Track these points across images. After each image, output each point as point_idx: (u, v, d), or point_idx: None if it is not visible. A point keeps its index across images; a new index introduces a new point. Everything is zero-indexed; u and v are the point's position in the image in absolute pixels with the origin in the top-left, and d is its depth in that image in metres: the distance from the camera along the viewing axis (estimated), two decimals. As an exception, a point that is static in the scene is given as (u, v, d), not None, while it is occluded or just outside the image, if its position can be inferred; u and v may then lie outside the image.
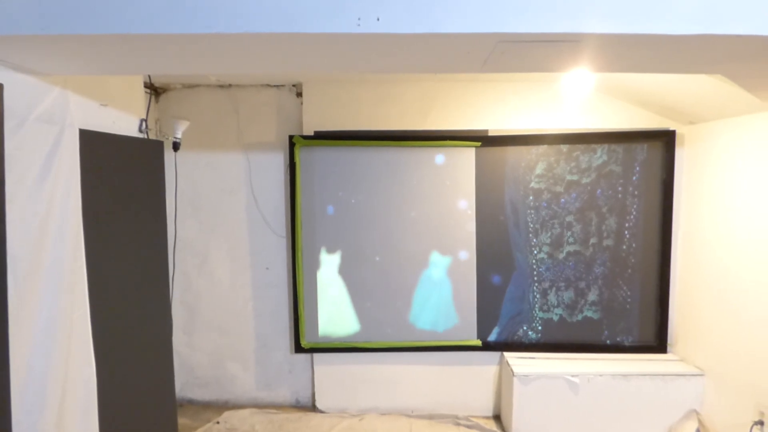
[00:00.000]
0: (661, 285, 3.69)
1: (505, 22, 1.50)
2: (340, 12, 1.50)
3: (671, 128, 3.61)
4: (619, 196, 3.70)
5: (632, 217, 3.70)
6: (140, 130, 2.94)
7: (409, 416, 3.88)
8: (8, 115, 1.86)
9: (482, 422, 3.80)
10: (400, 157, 3.75)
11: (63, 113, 2.20)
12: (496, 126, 3.74)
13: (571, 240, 3.76)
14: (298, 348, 3.88)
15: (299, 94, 3.90)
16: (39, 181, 2.05)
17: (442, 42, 1.62)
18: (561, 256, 3.77)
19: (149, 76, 3.59)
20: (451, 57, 1.85)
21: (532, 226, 3.77)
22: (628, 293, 3.76)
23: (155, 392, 3.01)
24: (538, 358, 3.73)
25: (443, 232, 3.79)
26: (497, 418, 3.91)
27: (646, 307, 3.75)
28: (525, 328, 3.84)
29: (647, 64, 1.96)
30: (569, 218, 3.74)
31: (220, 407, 4.07)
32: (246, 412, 3.94)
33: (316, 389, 4.00)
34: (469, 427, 3.73)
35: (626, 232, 3.72)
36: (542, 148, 3.70)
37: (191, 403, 4.16)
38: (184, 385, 4.15)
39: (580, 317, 3.80)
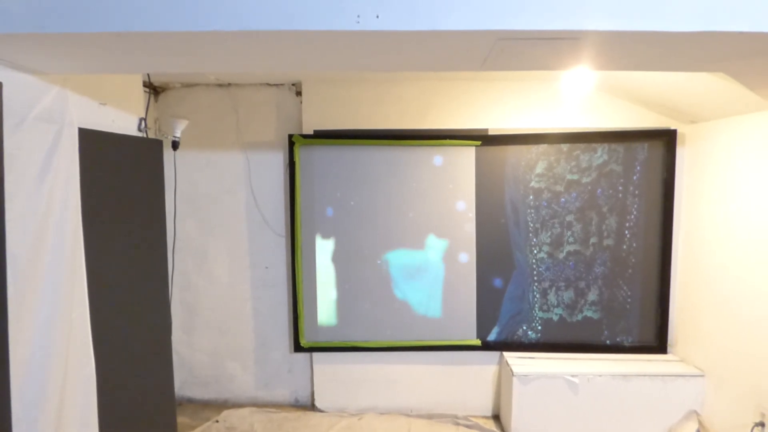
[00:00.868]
0: (662, 285, 3.69)
1: (505, 19, 1.50)
2: (340, 9, 1.50)
3: (672, 127, 3.60)
4: (620, 195, 3.69)
5: (633, 216, 3.69)
6: (139, 129, 2.94)
7: (408, 416, 3.88)
8: (7, 113, 1.86)
9: (481, 422, 3.80)
10: (400, 155, 3.74)
11: (62, 112, 2.20)
12: (496, 125, 3.73)
13: (571, 239, 3.75)
14: (298, 347, 3.88)
15: (299, 93, 3.89)
16: (38, 179, 2.05)
17: (442, 39, 1.61)
18: (561, 255, 3.77)
19: (148, 75, 3.59)
20: (451, 55, 1.85)
21: (532, 225, 3.77)
22: (629, 293, 3.75)
23: (154, 391, 3.00)
24: (538, 358, 3.72)
25: (444, 232, 3.78)
26: (496, 417, 3.91)
27: (646, 307, 3.74)
28: (525, 327, 3.84)
29: (648, 61, 1.96)
30: (569, 218, 3.74)
31: (219, 406, 4.06)
32: (245, 411, 3.94)
33: (315, 388, 4.00)
34: (468, 426, 3.73)
35: (626, 232, 3.71)
36: (542, 148, 3.70)
37: (190, 401, 4.16)
38: (183, 384, 4.15)
39: (580, 317, 3.80)
